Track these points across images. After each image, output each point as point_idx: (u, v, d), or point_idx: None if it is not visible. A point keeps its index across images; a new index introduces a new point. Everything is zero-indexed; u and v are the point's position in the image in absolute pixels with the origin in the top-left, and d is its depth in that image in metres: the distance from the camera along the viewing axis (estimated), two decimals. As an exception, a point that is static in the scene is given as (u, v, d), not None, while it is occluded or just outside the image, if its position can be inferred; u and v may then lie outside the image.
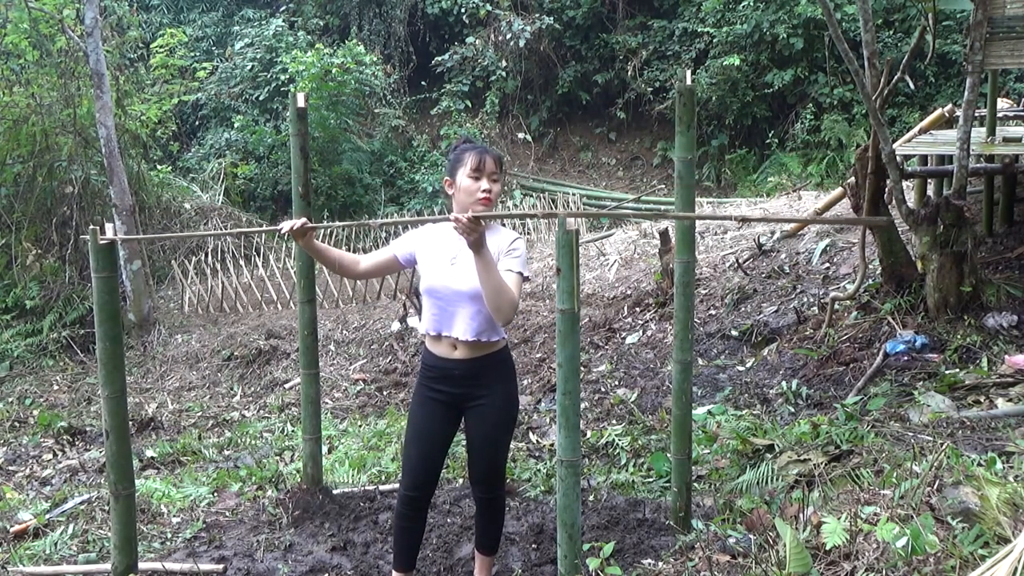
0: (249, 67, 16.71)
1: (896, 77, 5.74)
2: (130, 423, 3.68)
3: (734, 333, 6.79)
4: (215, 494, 4.87)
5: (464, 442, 4.97)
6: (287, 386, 8.16)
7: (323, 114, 15.38)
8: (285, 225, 3.16)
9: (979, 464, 3.41)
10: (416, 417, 3.29)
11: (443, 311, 3.15)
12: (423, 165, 16.76)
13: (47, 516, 4.60)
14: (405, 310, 9.02)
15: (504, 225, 3.29)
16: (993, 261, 6.55)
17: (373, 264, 3.32)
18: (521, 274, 3.06)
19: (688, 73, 3.66)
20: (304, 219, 3.25)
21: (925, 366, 5.31)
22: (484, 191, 3.09)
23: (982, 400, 4.76)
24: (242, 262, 12.41)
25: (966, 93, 5.86)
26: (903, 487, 3.19)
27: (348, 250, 13.36)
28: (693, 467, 4.10)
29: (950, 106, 9.63)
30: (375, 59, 16.63)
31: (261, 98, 16.58)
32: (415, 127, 17.92)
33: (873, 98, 5.66)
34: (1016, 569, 2.48)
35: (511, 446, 5.26)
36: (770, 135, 15.85)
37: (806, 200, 10.65)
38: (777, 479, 4.08)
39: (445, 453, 3.35)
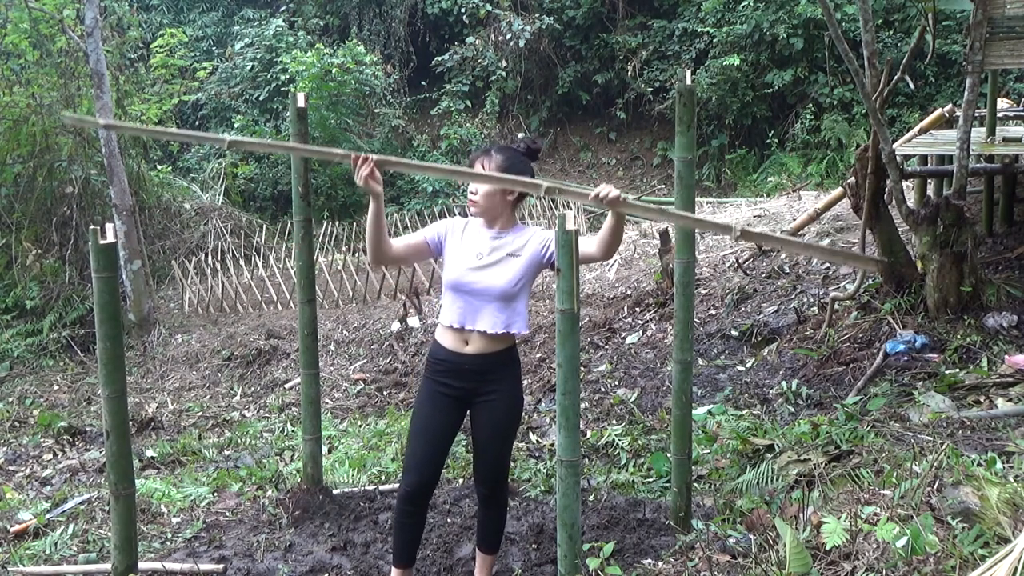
0: (249, 67, 16.70)
1: (896, 77, 5.74)
2: (130, 423, 3.68)
3: (734, 333, 6.79)
4: (215, 494, 4.87)
5: (464, 442, 4.99)
6: (287, 386, 8.16)
7: (323, 114, 15.38)
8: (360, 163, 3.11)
9: (979, 464, 3.41)
10: (423, 411, 3.30)
11: (469, 304, 3.18)
12: (423, 165, 16.73)
13: (47, 516, 4.60)
14: (405, 310, 9.02)
15: (527, 224, 3.30)
16: (993, 261, 6.55)
17: (403, 246, 3.33)
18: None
19: (688, 73, 3.66)
20: (373, 157, 3.16)
21: (925, 366, 5.30)
22: (471, 193, 3.21)
23: (982, 400, 4.76)
24: (242, 262, 12.42)
25: (966, 93, 5.86)
26: (903, 487, 3.19)
27: (348, 249, 13.36)
28: (693, 467, 4.09)
29: (950, 106, 9.63)
30: (375, 59, 16.62)
31: (261, 98, 16.57)
32: (415, 127, 17.92)
33: (873, 98, 5.66)
34: (1016, 569, 2.48)
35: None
36: (770, 135, 15.85)
37: (806, 200, 10.66)
38: (777, 479, 4.08)
39: (449, 448, 3.37)
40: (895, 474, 3.46)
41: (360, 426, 6.37)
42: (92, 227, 3.20)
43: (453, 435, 3.35)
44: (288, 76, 15.74)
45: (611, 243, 3.03)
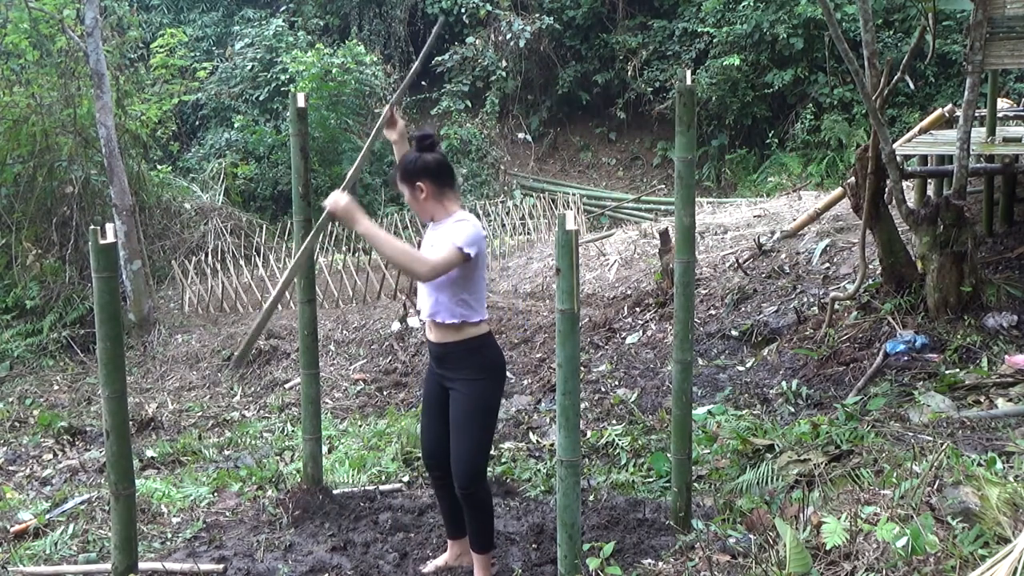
0: (249, 67, 16.70)
1: (896, 77, 5.74)
2: (130, 423, 3.68)
3: (734, 333, 6.79)
4: (215, 494, 4.87)
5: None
6: (287, 386, 8.15)
7: (323, 114, 15.38)
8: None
9: (979, 464, 3.41)
10: (423, 390, 3.69)
11: (420, 291, 3.49)
12: (423, 165, 16.72)
13: (47, 516, 4.60)
14: (405, 310, 9.02)
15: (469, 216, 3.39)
16: (993, 261, 6.55)
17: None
18: (455, 244, 3.21)
19: (688, 73, 3.66)
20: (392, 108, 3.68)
21: (925, 366, 5.31)
22: None
23: (982, 400, 4.77)
24: (242, 262, 12.41)
25: (966, 93, 5.86)
26: (903, 487, 3.20)
27: (348, 249, 13.35)
28: (693, 467, 4.10)
29: (950, 106, 9.63)
30: (375, 59, 16.62)
31: (261, 98, 16.57)
32: (415, 127, 17.90)
33: (873, 98, 5.66)
34: (1016, 569, 2.48)
35: (509, 447, 5.28)
36: (770, 135, 15.85)
37: (806, 200, 10.64)
38: (777, 479, 4.08)
39: (446, 426, 3.46)
40: (895, 474, 3.47)
41: (360, 426, 6.37)
42: (92, 227, 3.20)
43: (446, 414, 3.46)
44: (288, 76, 15.74)
45: (395, 265, 3.31)
